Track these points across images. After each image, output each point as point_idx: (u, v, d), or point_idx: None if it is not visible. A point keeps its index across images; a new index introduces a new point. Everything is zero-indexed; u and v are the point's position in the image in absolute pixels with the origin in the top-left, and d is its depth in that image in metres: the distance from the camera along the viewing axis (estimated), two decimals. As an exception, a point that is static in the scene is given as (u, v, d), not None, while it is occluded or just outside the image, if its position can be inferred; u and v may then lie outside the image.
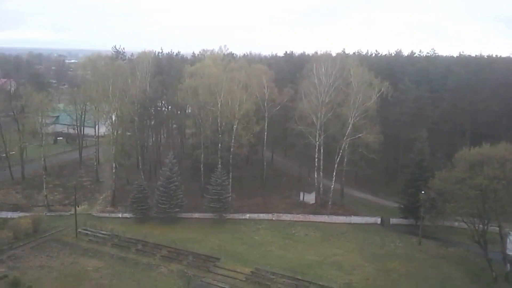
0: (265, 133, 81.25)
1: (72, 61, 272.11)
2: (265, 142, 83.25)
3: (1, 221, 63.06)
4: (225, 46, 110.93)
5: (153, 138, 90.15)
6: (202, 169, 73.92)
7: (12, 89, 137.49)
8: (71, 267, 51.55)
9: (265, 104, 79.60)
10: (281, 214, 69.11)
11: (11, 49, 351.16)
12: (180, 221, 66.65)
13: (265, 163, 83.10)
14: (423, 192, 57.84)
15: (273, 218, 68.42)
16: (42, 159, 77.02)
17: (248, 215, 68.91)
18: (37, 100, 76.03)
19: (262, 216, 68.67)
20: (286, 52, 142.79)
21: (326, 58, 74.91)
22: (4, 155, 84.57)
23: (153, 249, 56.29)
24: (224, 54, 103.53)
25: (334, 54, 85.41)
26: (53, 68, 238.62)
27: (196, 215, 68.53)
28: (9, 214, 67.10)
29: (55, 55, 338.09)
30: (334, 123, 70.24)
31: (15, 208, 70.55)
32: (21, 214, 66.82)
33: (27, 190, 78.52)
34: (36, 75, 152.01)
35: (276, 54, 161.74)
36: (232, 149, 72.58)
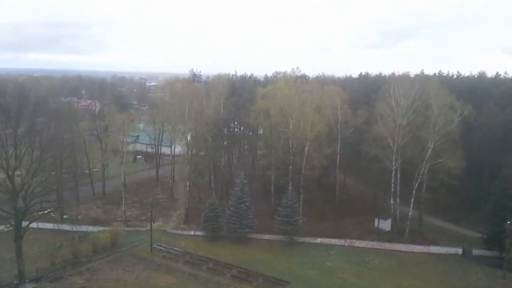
0: (338, 156, 79.63)
1: (153, 83, 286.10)
2: (337, 165, 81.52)
3: (82, 234, 66.71)
4: (297, 68, 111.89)
5: (225, 158, 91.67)
6: (272, 190, 73.63)
7: (97, 109, 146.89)
8: (145, 281, 52.85)
9: (338, 126, 78.27)
10: (354, 240, 66.69)
11: (97, 72, 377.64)
12: (250, 242, 66.51)
13: (337, 187, 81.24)
14: (508, 222, 53.70)
15: (346, 244, 66.20)
16: (122, 176, 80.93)
17: (319, 239, 67.23)
18: (119, 120, 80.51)
19: (334, 241, 66.68)
20: (361, 73, 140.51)
21: (404, 79, 72.53)
22: (87, 171, 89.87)
23: (224, 268, 56.37)
24: (296, 76, 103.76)
25: (412, 75, 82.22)
26: (134, 90, 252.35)
27: (266, 236, 68.03)
28: (90, 228, 70.78)
29: (137, 78, 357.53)
30: (412, 147, 67.15)
31: (95, 222, 74.34)
32: (101, 228, 70.18)
33: (107, 205, 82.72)
34: (119, 96, 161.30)
35: (350, 75, 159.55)
36: (303, 171, 71.69)
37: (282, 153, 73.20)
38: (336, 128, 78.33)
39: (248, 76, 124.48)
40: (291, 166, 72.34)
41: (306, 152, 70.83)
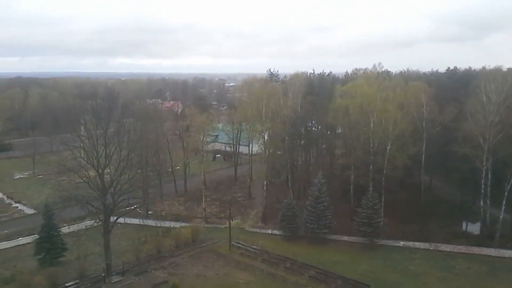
0: (423, 156, 75.52)
1: (231, 84, 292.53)
2: (422, 165, 77.35)
3: (165, 230, 69.50)
4: (379, 64, 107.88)
5: (303, 158, 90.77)
6: (352, 190, 71.58)
7: (179, 110, 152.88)
8: (224, 278, 53.72)
9: (423, 124, 74.22)
10: (439, 244, 62.86)
11: (179, 74, 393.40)
12: (328, 243, 65.19)
13: (422, 188, 77.10)
14: None
15: (431, 248, 62.61)
16: (202, 174, 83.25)
17: (402, 242, 64.19)
18: (199, 121, 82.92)
19: (418, 244, 63.33)
20: (448, 68, 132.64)
21: (496, 73, 67.29)
22: (170, 169, 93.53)
23: (301, 268, 55.71)
24: (378, 72, 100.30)
25: (504, 69, 76.01)
26: (214, 91, 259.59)
27: (345, 238, 66.24)
28: (172, 224, 73.51)
29: (217, 79, 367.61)
30: (505, 146, 61.89)
31: (177, 218, 77.04)
32: (182, 224, 72.61)
33: (188, 202, 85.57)
34: (200, 97, 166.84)
35: (436, 70, 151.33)
36: (385, 171, 68.86)
37: (362, 153, 70.87)
38: (421, 126, 74.33)
39: (326, 74, 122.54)
40: (371, 166, 69.79)
41: (388, 151, 67.94)
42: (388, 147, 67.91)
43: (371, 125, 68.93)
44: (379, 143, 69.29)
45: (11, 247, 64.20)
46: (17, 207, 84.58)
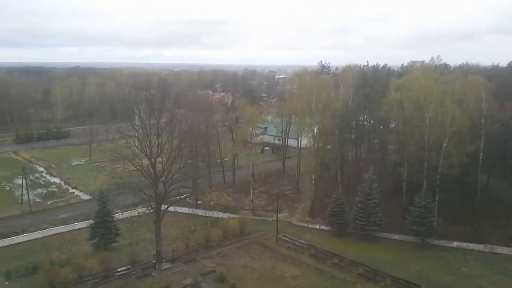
0: (481, 153, 71.92)
1: (281, 76, 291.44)
2: (480, 164, 73.68)
3: (214, 220, 70.47)
4: (437, 57, 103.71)
5: (353, 152, 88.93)
6: (404, 188, 69.39)
7: (229, 102, 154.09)
8: (270, 270, 53.76)
9: (482, 121, 70.58)
10: (495, 246, 59.96)
11: (230, 66, 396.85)
12: (377, 240, 63.66)
13: (478, 187, 73.53)
14: None
15: (486, 250, 59.83)
16: (251, 166, 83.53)
17: (455, 243, 61.66)
18: (249, 113, 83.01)
19: (472, 246, 60.67)
20: (510, 62, 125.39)
21: None
22: (219, 160, 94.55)
23: (350, 266, 54.78)
24: (435, 66, 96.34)
25: None
26: (264, 83, 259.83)
27: (396, 236, 64.42)
28: (220, 214, 74.44)
29: (267, 71, 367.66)
30: None
31: (225, 209, 77.87)
32: (230, 215, 73.36)
33: (236, 193, 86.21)
34: (250, 89, 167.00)
35: (497, 65, 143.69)
36: (440, 169, 66.17)
37: (416, 149, 68.35)
38: (479, 122, 70.74)
39: (380, 66, 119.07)
40: (426, 163, 67.23)
41: (444, 148, 65.20)
42: (444, 144, 65.15)
43: (427, 121, 66.32)
44: (435, 139, 66.56)
45: (67, 231, 67.23)
46: (74, 192, 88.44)
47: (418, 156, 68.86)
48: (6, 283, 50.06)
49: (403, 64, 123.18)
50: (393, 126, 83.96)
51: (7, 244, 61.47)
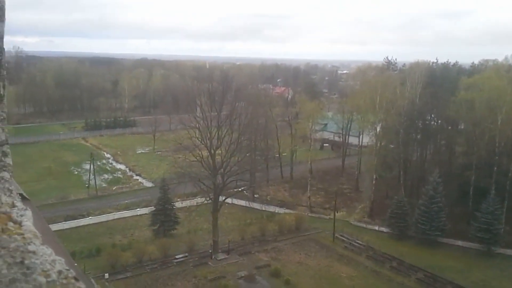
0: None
1: (344, 71, 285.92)
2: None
3: (270, 214, 70.48)
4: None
5: (418, 153, 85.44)
6: (471, 193, 65.87)
7: (289, 96, 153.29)
8: (326, 269, 53.04)
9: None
10: None
11: (292, 60, 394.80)
12: (439, 246, 60.95)
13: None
14: None
15: (559, 263, 55.63)
16: (309, 162, 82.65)
17: (524, 253, 57.90)
18: (309, 108, 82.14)
19: (542, 256, 56.71)
20: None
21: None
22: (277, 155, 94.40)
23: (409, 270, 52.89)
24: (510, 65, 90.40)
25: None
26: (326, 78, 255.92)
27: (459, 242, 61.31)
28: (277, 209, 74.25)
29: (329, 66, 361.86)
30: None
31: (281, 204, 77.57)
32: (287, 210, 72.99)
33: (293, 189, 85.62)
34: (311, 84, 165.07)
35: None
36: (510, 174, 62.19)
37: (485, 152, 64.66)
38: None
39: (451, 64, 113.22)
40: (495, 168, 63.44)
41: (517, 152, 61.26)
42: (517, 148, 61.13)
43: (499, 122, 62.44)
44: (506, 142, 62.66)
45: (130, 216, 69.88)
46: (137, 179, 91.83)
47: (487, 159, 65.12)
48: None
49: (473, 62, 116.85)
50: (462, 127, 79.87)
51: (73, 226, 64.83)
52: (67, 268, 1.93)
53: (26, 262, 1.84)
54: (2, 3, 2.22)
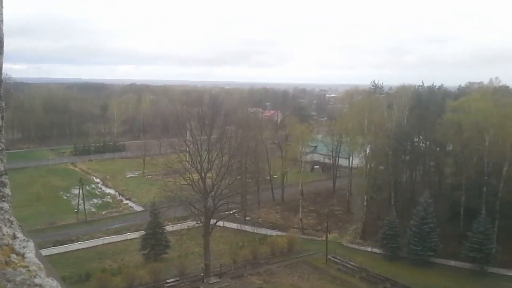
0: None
1: (332, 95, 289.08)
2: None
3: (262, 237, 70.06)
4: (496, 78, 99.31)
5: (407, 174, 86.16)
6: (462, 213, 66.39)
7: (279, 120, 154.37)
8: (319, 292, 52.64)
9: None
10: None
11: (280, 84, 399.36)
12: (432, 266, 60.95)
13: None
14: None
15: (551, 282, 55.85)
16: (300, 184, 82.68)
17: (515, 272, 58.10)
18: (299, 130, 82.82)
19: (535, 276, 56.92)
20: None
21: None
22: (268, 178, 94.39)
23: (402, 292, 52.73)
24: (495, 87, 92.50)
25: None
26: (314, 101, 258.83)
27: (452, 262, 61.42)
28: (268, 232, 73.80)
29: (317, 89, 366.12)
30: None
31: (273, 226, 77.23)
32: (278, 233, 72.57)
33: (285, 211, 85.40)
34: (300, 107, 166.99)
35: None
36: (499, 194, 62.92)
37: (474, 173, 65.56)
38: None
39: (436, 87, 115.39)
40: (485, 188, 64.19)
41: (504, 172, 62.07)
42: (505, 168, 62.03)
43: (486, 143, 63.47)
44: (495, 163, 63.59)
45: (120, 241, 68.91)
46: (127, 204, 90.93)
47: (476, 180, 65.94)
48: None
49: (460, 85, 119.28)
50: (450, 148, 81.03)
51: (62, 251, 63.74)
52: None
53: None
54: (1, 36, 2.18)
